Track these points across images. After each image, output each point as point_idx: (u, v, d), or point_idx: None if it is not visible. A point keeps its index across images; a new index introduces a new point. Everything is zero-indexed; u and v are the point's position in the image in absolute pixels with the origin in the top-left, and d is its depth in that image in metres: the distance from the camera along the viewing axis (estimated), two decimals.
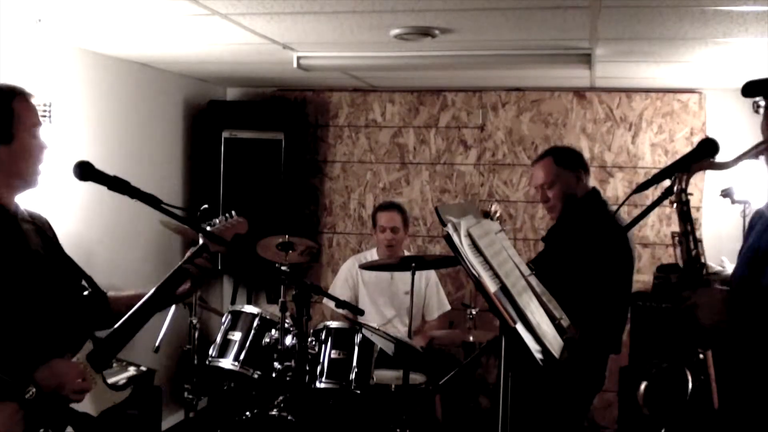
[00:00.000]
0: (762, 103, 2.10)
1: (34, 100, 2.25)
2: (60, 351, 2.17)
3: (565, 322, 2.46)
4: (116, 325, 2.29)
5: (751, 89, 2.10)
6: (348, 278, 4.93)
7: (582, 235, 3.40)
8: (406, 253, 4.79)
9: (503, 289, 2.11)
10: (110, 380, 2.32)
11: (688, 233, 2.13)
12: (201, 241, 2.42)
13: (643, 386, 2.24)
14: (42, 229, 2.32)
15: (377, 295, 4.84)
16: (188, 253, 2.39)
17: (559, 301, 2.63)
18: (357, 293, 4.90)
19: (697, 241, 2.15)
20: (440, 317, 4.91)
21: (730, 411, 2.09)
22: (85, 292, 2.39)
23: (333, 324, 4.13)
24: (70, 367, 2.16)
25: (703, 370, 2.08)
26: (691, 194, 2.15)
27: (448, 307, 4.93)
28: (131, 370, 3.94)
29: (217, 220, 2.50)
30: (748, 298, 2.08)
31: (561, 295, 2.72)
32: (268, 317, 4.09)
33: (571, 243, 3.42)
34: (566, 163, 3.62)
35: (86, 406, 2.20)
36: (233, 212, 2.55)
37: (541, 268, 3.72)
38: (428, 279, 4.88)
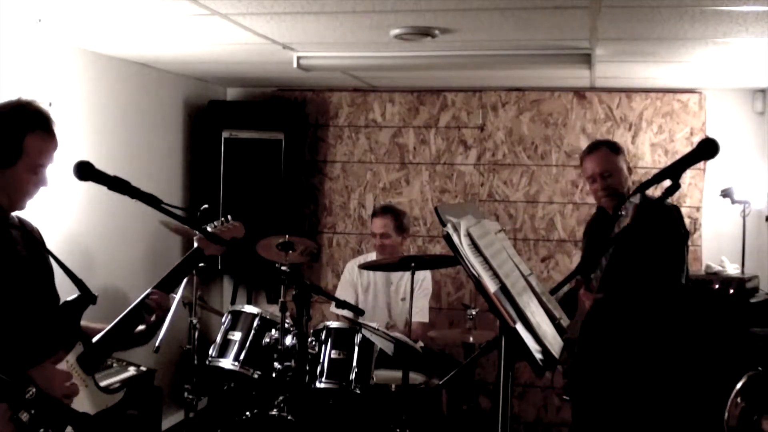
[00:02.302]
0: None
1: (55, 128, 2.26)
2: (49, 352, 2.18)
3: (564, 322, 2.46)
4: (106, 330, 2.31)
5: None
6: (350, 280, 4.92)
7: (655, 221, 3.40)
8: (406, 254, 4.78)
9: (503, 289, 2.11)
10: (104, 383, 2.33)
11: None
12: (196, 244, 2.42)
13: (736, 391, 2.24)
14: (30, 234, 2.34)
15: (374, 300, 4.83)
16: (183, 258, 2.40)
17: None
18: (357, 295, 4.90)
19: None
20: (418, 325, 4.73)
21: None
22: (75, 295, 2.40)
23: (333, 324, 4.13)
24: (57, 371, 2.17)
25: None
26: None
27: (426, 320, 4.75)
28: (131, 370, 3.95)
29: (214, 224, 2.51)
30: None
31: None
32: (268, 317, 4.09)
33: (647, 230, 3.36)
34: (620, 152, 3.68)
35: (80, 407, 2.20)
36: (229, 216, 2.56)
37: (620, 268, 3.47)
38: (423, 286, 4.75)
